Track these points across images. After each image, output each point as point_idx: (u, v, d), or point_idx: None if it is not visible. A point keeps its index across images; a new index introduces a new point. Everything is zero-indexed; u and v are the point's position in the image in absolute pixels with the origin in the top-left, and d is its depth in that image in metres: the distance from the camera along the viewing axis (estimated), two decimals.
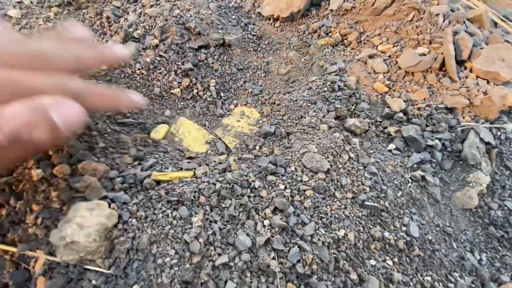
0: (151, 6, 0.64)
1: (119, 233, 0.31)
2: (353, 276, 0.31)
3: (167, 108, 0.52)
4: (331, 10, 0.65)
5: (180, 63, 0.56)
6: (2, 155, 0.22)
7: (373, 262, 0.33)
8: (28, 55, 0.24)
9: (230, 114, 0.55)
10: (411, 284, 0.33)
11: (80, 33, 0.29)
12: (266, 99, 0.56)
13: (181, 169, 0.39)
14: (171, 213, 0.33)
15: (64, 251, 0.29)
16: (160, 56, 0.57)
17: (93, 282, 0.30)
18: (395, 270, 0.33)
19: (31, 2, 0.61)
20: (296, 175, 0.36)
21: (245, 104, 0.56)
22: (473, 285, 0.37)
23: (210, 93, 0.56)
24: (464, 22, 0.52)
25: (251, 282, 0.30)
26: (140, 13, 0.63)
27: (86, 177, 0.34)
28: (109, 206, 0.32)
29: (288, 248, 0.32)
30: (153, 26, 0.60)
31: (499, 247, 0.40)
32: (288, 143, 0.43)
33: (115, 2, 0.66)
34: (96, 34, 0.58)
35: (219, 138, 0.50)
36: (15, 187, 0.35)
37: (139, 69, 0.54)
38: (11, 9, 0.60)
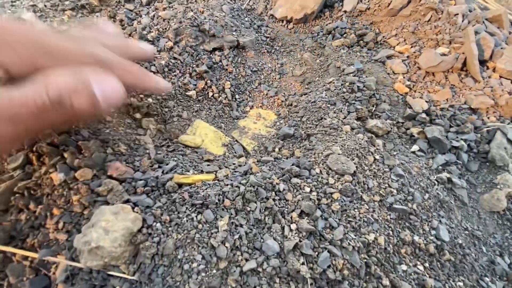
0: (164, 9, 0.64)
1: (143, 238, 0.30)
2: (385, 281, 0.30)
3: (183, 110, 0.51)
4: (345, 12, 0.65)
5: (194, 65, 0.56)
6: (44, 118, 0.22)
7: (404, 267, 0.32)
8: (68, 39, 0.25)
9: (246, 116, 0.54)
10: None
11: (111, 30, 0.30)
12: (282, 101, 0.55)
13: (201, 171, 0.39)
14: (196, 216, 0.32)
15: (88, 257, 0.28)
16: (175, 58, 0.56)
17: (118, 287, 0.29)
18: (427, 275, 0.32)
19: (45, 6, 0.61)
20: (322, 178, 0.35)
21: (260, 106, 0.56)
22: None
23: (225, 95, 0.56)
24: (483, 22, 0.51)
25: None
26: (154, 15, 0.63)
27: (108, 181, 0.33)
28: (133, 210, 0.31)
29: (317, 253, 0.31)
30: (167, 29, 0.59)
31: None
32: (310, 145, 0.42)
33: (128, 5, 0.66)
34: None
35: (236, 141, 0.49)
36: (34, 191, 0.35)
37: (153, 72, 0.53)
38: (25, 13, 0.60)
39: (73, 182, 0.33)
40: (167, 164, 0.38)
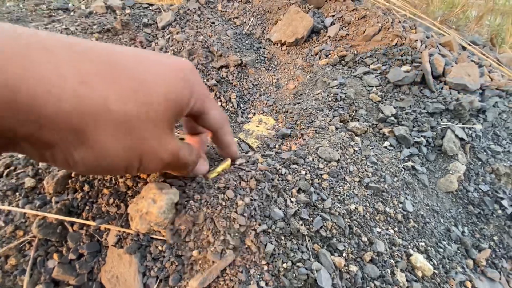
0: (178, 32, 0.76)
1: (180, 209, 0.39)
2: (364, 239, 0.40)
3: None
4: (329, 37, 0.78)
5: (205, 80, 0.67)
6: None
7: (378, 229, 0.42)
8: None
9: (249, 121, 0.64)
10: (409, 247, 0.42)
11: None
12: (279, 109, 0.66)
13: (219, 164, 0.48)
14: (220, 196, 0.41)
15: (139, 221, 0.37)
16: None
17: (159, 248, 0.37)
18: (396, 237, 0.42)
19: (76, 29, 0.71)
20: (314, 164, 0.46)
21: (261, 113, 0.66)
22: (459, 251, 0.45)
23: (232, 104, 0.66)
24: (437, 46, 0.65)
25: (286, 243, 0.38)
26: (169, 38, 0.74)
27: None
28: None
29: (312, 218, 0.40)
30: (181, 49, 0.70)
31: (477, 222, 0.49)
32: (303, 141, 0.52)
33: (146, 29, 0.77)
34: None
35: (243, 140, 0.59)
36: (86, 177, 0.43)
37: None
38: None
39: None
40: None
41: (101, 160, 0.21)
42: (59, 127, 0.17)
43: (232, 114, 0.65)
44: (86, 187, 0.42)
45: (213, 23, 0.80)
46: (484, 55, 0.70)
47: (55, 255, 0.39)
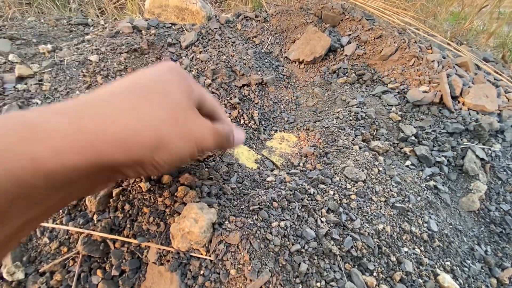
0: (201, 52, 0.79)
1: (217, 228, 0.41)
2: (393, 258, 0.41)
3: None
4: (346, 55, 0.81)
5: (228, 98, 0.70)
6: (218, 146, 0.35)
7: (406, 249, 0.43)
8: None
9: (271, 138, 0.67)
10: (436, 267, 0.43)
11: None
12: (300, 126, 0.68)
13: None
14: (254, 216, 0.43)
15: (181, 240, 0.39)
16: (213, 92, 0.70)
17: (198, 265, 0.39)
18: (423, 256, 0.44)
19: (106, 49, 0.75)
20: (341, 184, 0.47)
21: (283, 130, 0.69)
22: (483, 270, 0.47)
23: (254, 122, 0.69)
24: (454, 66, 0.67)
25: (318, 263, 0.39)
26: (193, 57, 0.77)
27: (184, 187, 0.45)
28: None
29: (342, 238, 0.42)
30: (205, 69, 0.74)
31: (499, 241, 0.51)
32: (328, 160, 0.54)
33: (170, 49, 0.80)
34: None
35: (266, 157, 0.61)
36: (127, 196, 0.46)
37: None
38: (90, 55, 0.74)
39: (157, 188, 0.45)
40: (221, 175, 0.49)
41: (173, 155, 0.27)
42: (143, 147, 0.25)
43: (254, 131, 0.68)
44: (127, 206, 0.44)
45: (234, 42, 0.83)
46: (498, 73, 0.72)
47: (98, 271, 0.41)
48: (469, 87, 0.62)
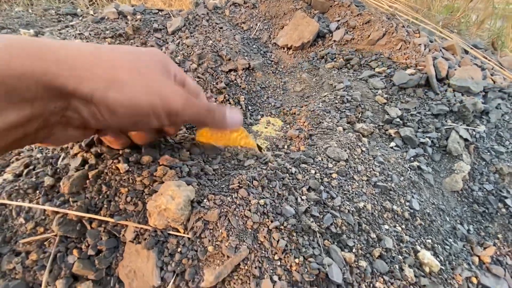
0: (187, 37, 0.78)
1: (196, 206, 0.40)
2: (373, 235, 0.41)
3: None
4: (334, 41, 0.80)
5: (215, 83, 0.69)
6: (199, 120, 0.37)
7: (386, 226, 0.43)
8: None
9: (258, 123, 0.66)
10: (417, 244, 0.43)
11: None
12: (287, 111, 0.68)
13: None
14: (234, 194, 0.42)
15: (157, 217, 0.38)
16: (198, 77, 0.69)
17: (176, 243, 0.39)
18: (404, 234, 0.43)
19: (90, 34, 0.74)
20: (323, 163, 0.47)
21: (269, 115, 0.68)
22: (464, 249, 0.47)
23: (241, 107, 0.68)
24: (440, 50, 0.66)
25: (297, 239, 0.39)
26: (179, 43, 0.76)
27: (163, 167, 0.44)
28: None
29: (322, 215, 0.42)
30: (191, 54, 0.73)
31: (482, 220, 0.51)
32: (312, 142, 0.54)
33: (156, 34, 0.79)
34: None
35: None
36: (103, 178, 0.45)
37: None
38: (73, 40, 0.72)
39: (137, 169, 0.44)
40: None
41: (129, 100, 0.27)
42: (94, 81, 0.25)
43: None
44: (104, 188, 0.43)
45: (221, 28, 0.82)
46: (486, 58, 0.72)
47: (74, 251, 0.41)
48: (455, 69, 0.61)
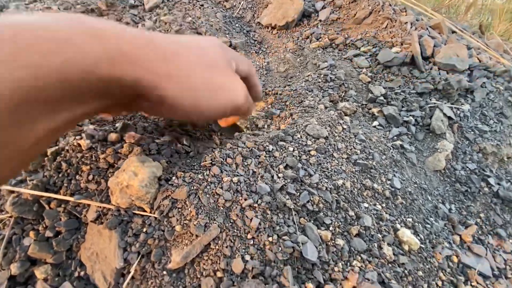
0: (165, 14, 0.74)
1: (163, 184, 0.37)
2: (351, 213, 0.39)
3: None
4: (320, 20, 0.77)
5: None
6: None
7: (366, 205, 0.41)
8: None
9: None
10: (397, 223, 0.41)
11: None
12: (269, 91, 0.65)
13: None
14: (205, 172, 0.39)
15: (119, 195, 0.35)
16: None
17: (141, 223, 0.36)
18: (384, 212, 0.42)
19: (58, 8, 0.68)
20: (302, 141, 0.45)
21: None
22: (445, 228, 0.45)
23: None
24: (427, 28, 0.64)
25: (272, 217, 0.37)
26: (156, 20, 0.72)
27: (129, 144, 0.41)
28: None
29: (299, 193, 0.39)
30: (169, 31, 0.69)
31: (464, 199, 0.49)
32: (292, 120, 0.51)
33: (132, 11, 0.74)
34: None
35: None
36: (63, 155, 0.41)
37: None
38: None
39: (100, 146, 0.41)
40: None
41: (207, 106, 0.30)
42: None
43: None
44: (64, 165, 0.40)
45: (202, 5, 0.78)
46: (471, 37, 0.70)
47: (31, 233, 0.37)
48: (441, 48, 0.59)
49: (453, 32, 0.72)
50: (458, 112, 0.54)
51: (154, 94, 0.25)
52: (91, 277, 0.36)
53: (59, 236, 0.37)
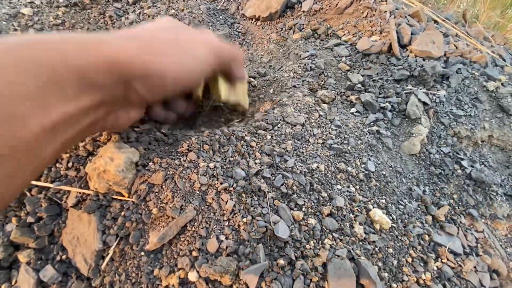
0: (149, 7, 0.74)
1: (140, 169, 0.38)
2: (324, 194, 0.41)
3: None
4: (303, 11, 0.78)
5: None
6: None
7: (339, 187, 0.43)
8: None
9: None
10: (369, 204, 0.43)
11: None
12: (251, 81, 0.66)
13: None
14: (182, 158, 0.41)
15: (97, 180, 0.37)
16: None
17: (119, 207, 0.37)
18: (357, 194, 0.43)
19: (41, 2, 0.69)
20: (279, 128, 0.46)
21: None
22: (419, 208, 0.47)
23: None
24: (406, 16, 0.65)
25: (246, 200, 0.38)
26: (140, 13, 0.72)
27: (107, 133, 0.42)
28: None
29: (274, 177, 0.41)
30: None
31: (438, 182, 0.51)
32: (271, 109, 0.52)
33: (116, 4, 0.75)
34: (102, 30, 0.67)
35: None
36: None
37: None
38: (23, 8, 0.67)
39: None
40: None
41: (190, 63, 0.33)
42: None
43: None
44: None
45: None
46: (453, 27, 0.71)
47: (13, 219, 0.39)
48: (418, 35, 0.60)
49: (434, 20, 0.74)
50: (434, 97, 0.55)
51: (136, 72, 0.27)
52: (72, 260, 0.38)
53: (41, 222, 0.39)
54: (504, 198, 0.52)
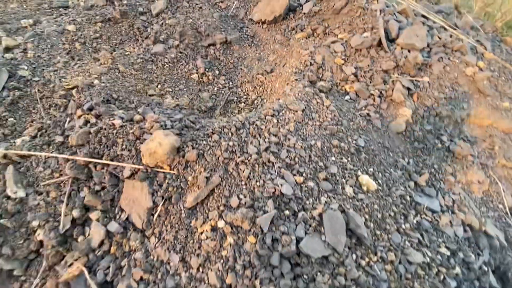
0: (169, 18, 0.86)
1: (180, 151, 0.50)
2: (320, 164, 0.51)
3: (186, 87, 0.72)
4: (304, 13, 0.87)
5: (195, 57, 0.77)
6: None
7: (333, 158, 0.53)
8: None
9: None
10: (359, 171, 0.53)
11: None
12: (259, 77, 0.76)
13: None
14: (208, 139, 0.52)
15: (148, 158, 0.49)
16: (181, 52, 0.78)
17: (163, 177, 0.49)
18: (348, 164, 0.53)
19: (82, 20, 0.82)
20: (284, 113, 0.57)
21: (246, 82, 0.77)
22: (403, 176, 0.57)
23: (220, 76, 0.77)
24: (394, 13, 0.74)
25: (259, 169, 0.49)
26: (162, 23, 0.85)
27: (150, 122, 0.54)
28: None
29: (280, 151, 0.52)
30: (174, 32, 0.81)
31: (421, 154, 0.60)
32: (277, 99, 0.63)
33: (142, 17, 0.87)
34: (132, 40, 0.80)
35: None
36: (104, 136, 0.55)
37: (167, 62, 0.75)
38: (68, 25, 0.81)
39: (130, 124, 0.54)
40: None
41: None
42: None
43: (219, 85, 0.76)
44: (103, 140, 0.54)
45: (201, 7, 0.90)
46: (441, 20, 0.79)
47: (85, 189, 0.51)
48: (405, 30, 0.69)
49: (423, 15, 0.82)
50: (418, 83, 0.64)
51: None
52: (129, 218, 0.50)
53: (105, 189, 0.51)
54: (481, 167, 0.60)
